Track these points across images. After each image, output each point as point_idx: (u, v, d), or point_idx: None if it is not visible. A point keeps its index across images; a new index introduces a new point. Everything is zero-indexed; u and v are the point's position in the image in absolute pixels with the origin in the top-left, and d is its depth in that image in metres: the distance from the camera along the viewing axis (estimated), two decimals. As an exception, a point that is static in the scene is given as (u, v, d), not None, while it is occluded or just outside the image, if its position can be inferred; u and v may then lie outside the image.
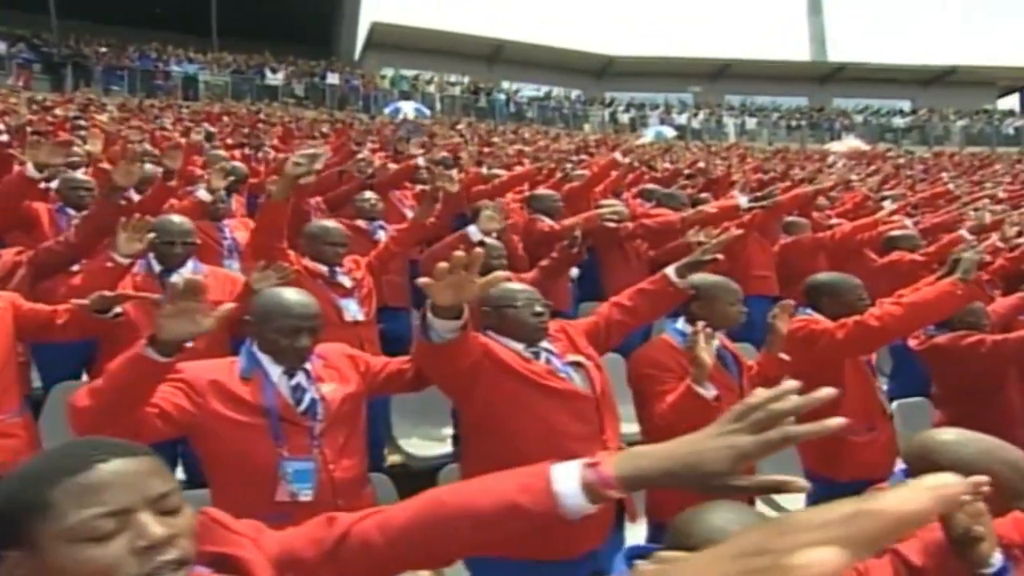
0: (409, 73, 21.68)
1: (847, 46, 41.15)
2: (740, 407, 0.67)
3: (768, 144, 19.66)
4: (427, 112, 17.63)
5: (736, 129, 21.68)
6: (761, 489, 0.72)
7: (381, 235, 3.57)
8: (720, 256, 2.12)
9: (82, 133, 5.71)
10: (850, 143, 18.28)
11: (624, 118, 21.89)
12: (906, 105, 23.60)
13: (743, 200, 4.24)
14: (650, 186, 5.73)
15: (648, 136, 17.67)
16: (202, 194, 3.40)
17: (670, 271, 2.13)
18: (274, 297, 1.75)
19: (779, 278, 4.59)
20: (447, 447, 2.95)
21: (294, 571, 0.81)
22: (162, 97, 16.08)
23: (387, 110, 17.63)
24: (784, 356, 2.17)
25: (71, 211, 3.07)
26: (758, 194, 4.37)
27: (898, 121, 21.48)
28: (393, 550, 0.80)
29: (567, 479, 0.74)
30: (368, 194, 3.83)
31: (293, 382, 1.66)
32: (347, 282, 2.65)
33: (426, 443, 3.15)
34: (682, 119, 21.85)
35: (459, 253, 1.38)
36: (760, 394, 0.66)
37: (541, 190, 4.23)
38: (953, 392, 2.79)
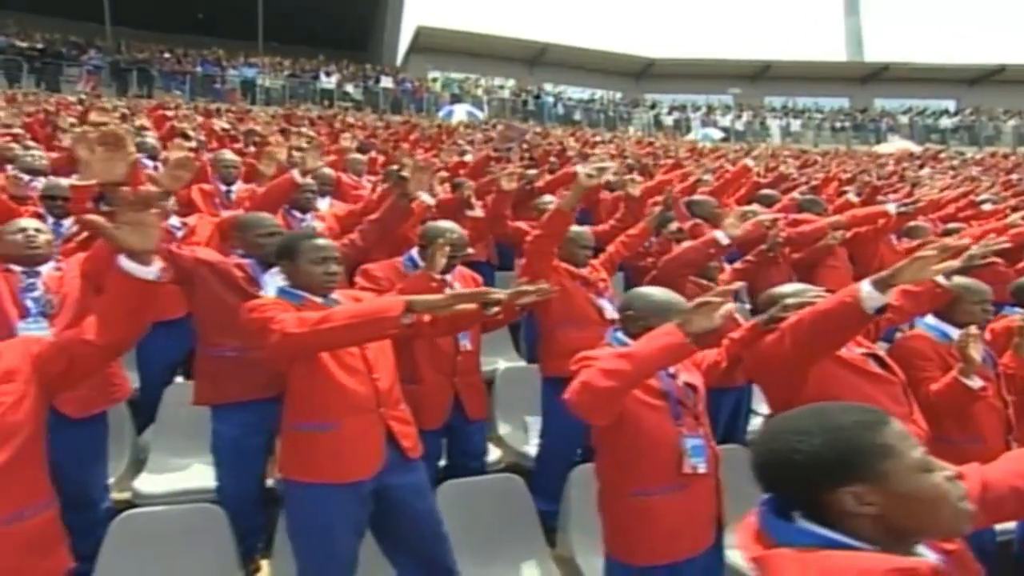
0: (458, 76, 22.02)
1: (884, 46, 40.86)
2: None
3: (814, 146, 19.70)
4: (480, 115, 17.97)
5: (781, 131, 21.73)
6: None
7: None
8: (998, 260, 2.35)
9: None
10: (898, 144, 18.29)
11: (668, 120, 22.06)
12: (951, 105, 23.50)
13: (892, 207, 4.46)
14: (767, 191, 5.95)
15: (694, 138, 17.89)
16: (295, 175, 3.46)
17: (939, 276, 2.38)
18: (660, 295, 2.01)
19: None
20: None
21: None
22: (210, 100, 16.53)
23: (441, 113, 18.00)
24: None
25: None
26: (906, 201, 4.58)
27: (946, 122, 21.40)
28: None
29: None
30: (548, 197, 4.11)
31: (672, 370, 1.94)
32: (599, 282, 2.94)
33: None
34: (725, 121, 21.97)
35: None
36: None
37: (699, 196, 4.48)
38: None
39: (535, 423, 3.40)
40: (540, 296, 2.12)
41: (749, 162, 5.52)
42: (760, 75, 25.88)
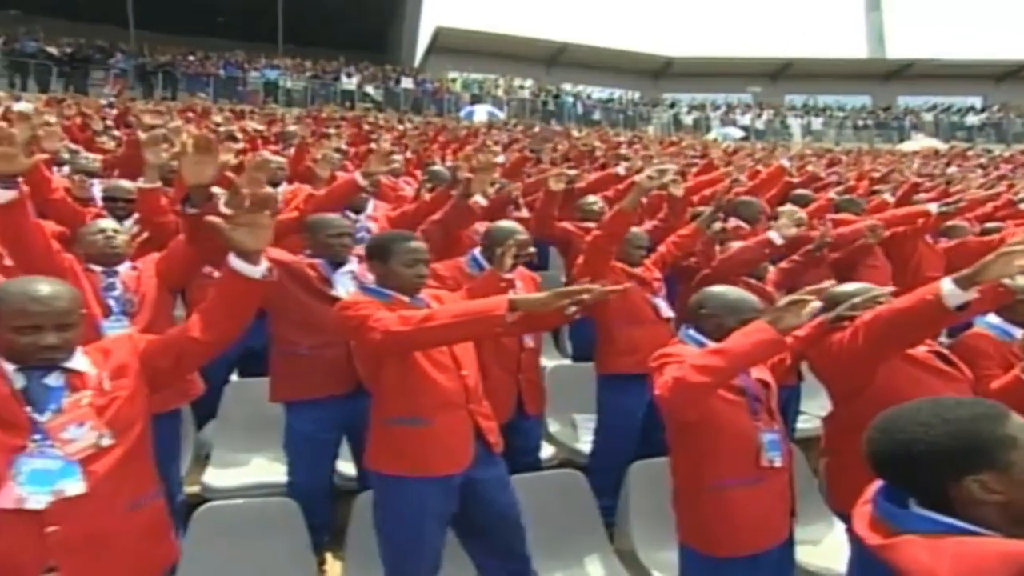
0: (478, 77, 22.11)
1: (906, 42, 40.41)
2: None
3: (836, 144, 19.54)
4: (500, 115, 18.03)
5: (802, 130, 21.58)
6: None
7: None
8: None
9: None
10: (922, 142, 18.09)
11: (688, 120, 21.98)
12: (977, 102, 23.18)
13: (933, 207, 4.46)
14: (801, 191, 5.94)
15: (714, 138, 17.83)
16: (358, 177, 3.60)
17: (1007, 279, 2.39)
18: (734, 293, 2.05)
19: None
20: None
21: None
22: (236, 102, 16.73)
23: (462, 114, 18.09)
24: None
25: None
26: (948, 200, 4.57)
27: (972, 119, 21.13)
28: None
29: None
30: (591, 198, 4.15)
31: None
32: (653, 281, 2.98)
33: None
34: (745, 120, 21.85)
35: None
36: None
37: (746, 197, 4.49)
38: None
39: (583, 420, 3.46)
40: (612, 295, 2.17)
41: (785, 162, 5.51)
42: (780, 73, 25.71)
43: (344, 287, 2.43)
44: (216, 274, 1.74)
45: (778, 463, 1.88)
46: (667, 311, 2.95)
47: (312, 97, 18.53)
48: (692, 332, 2.06)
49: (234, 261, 1.54)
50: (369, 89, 19.28)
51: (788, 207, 3.85)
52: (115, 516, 1.45)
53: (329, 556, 2.67)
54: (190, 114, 10.54)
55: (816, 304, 1.68)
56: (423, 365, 1.93)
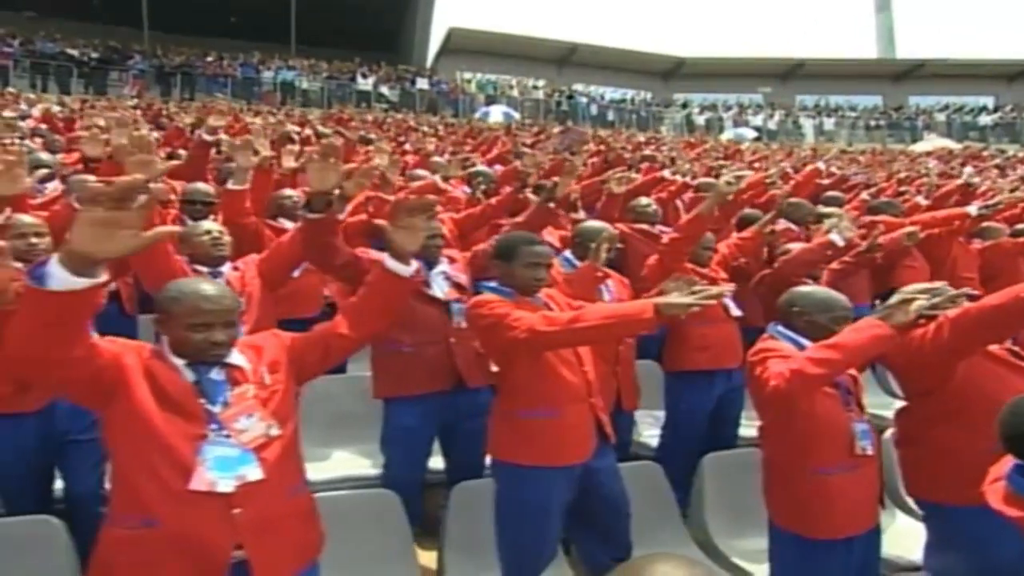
0: (491, 77, 22.23)
1: (916, 42, 40.31)
2: None
3: (848, 145, 19.59)
4: (515, 115, 18.15)
5: (814, 130, 21.65)
6: None
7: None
8: None
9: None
10: (935, 142, 18.12)
11: (700, 120, 22.07)
12: (989, 102, 23.21)
13: (973, 209, 4.56)
14: (832, 193, 6.04)
15: (727, 139, 17.91)
16: (439, 180, 3.69)
17: None
18: (823, 292, 2.17)
19: (980, 280, 4.89)
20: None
21: None
22: (256, 102, 16.90)
23: (477, 114, 18.21)
24: None
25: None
26: (988, 202, 4.67)
27: (985, 119, 21.16)
28: None
29: None
30: (645, 200, 4.27)
31: None
32: (721, 282, 3.09)
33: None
34: (757, 120, 21.92)
35: None
36: None
37: (797, 199, 4.60)
38: None
39: (645, 416, 3.57)
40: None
41: (820, 165, 5.62)
42: (791, 73, 25.76)
43: (440, 287, 2.56)
44: None
45: (870, 451, 2.00)
46: (735, 310, 3.06)
47: (328, 98, 18.71)
48: (782, 329, 2.16)
49: (389, 261, 1.66)
50: (384, 90, 19.44)
51: (831, 209, 3.96)
52: (284, 501, 1.57)
53: (415, 547, 2.79)
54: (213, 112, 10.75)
55: (923, 303, 1.79)
56: (552, 361, 2.06)
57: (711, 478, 2.85)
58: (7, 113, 6.89)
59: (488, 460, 2.81)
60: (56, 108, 9.75)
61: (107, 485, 2.61)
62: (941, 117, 21.92)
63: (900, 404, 2.43)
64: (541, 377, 2.06)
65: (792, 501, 2.02)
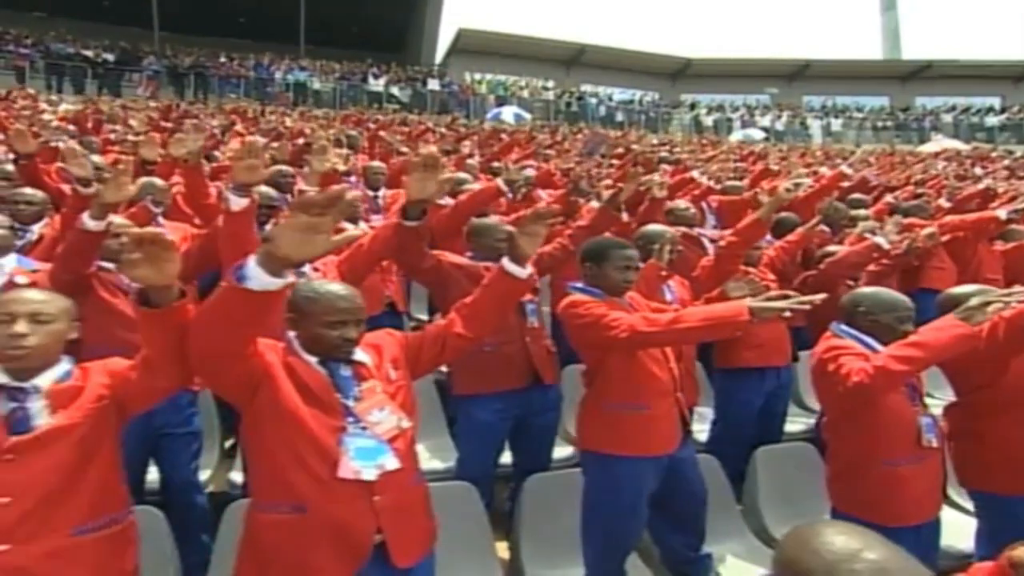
0: (501, 78, 22.34)
1: (921, 42, 40.39)
2: None
3: (856, 146, 19.68)
4: (527, 117, 18.25)
5: (821, 131, 21.75)
6: None
7: (706, 242, 4.15)
8: None
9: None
10: (943, 143, 18.20)
11: (708, 121, 22.18)
12: (996, 102, 23.31)
13: (1002, 213, 4.69)
14: (858, 195, 6.17)
15: (737, 139, 18.02)
16: (501, 184, 3.70)
17: None
18: (887, 293, 2.30)
19: (1004, 281, 5.02)
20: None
21: None
22: (268, 103, 17.04)
23: (489, 116, 18.33)
24: None
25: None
26: (1016, 206, 4.80)
27: (992, 120, 21.26)
28: None
29: None
30: (683, 203, 4.40)
31: None
32: (770, 283, 3.22)
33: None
34: (765, 121, 22.02)
35: None
36: None
37: (836, 203, 4.73)
38: None
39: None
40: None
41: (846, 169, 5.74)
42: (797, 74, 25.87)
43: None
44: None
45: (935, 444, 2.13)
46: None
47: (339, 98, 18.84)
48: (846, 328, 2.29)
49: (508, 264, 1.80)
50: (395, 90, 19.58)
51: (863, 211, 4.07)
52: (412, 488, 1.70)
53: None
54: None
55: (999, 304, 1.92)
56: (642, 358, 2.20)
57: (764, 471, 2.99)
58: (46, 116, 7.02)
59: (555, 454, 2.97)
60: (73, 108, 9.85)
61: (201, 475, 2.79)
62: (948, 118, 22.01)
63: (948, 400, 2.58)
64: (633, 373, 2.20)
65: (861, 490, 2.15)
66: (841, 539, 0.88)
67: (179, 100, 16.07)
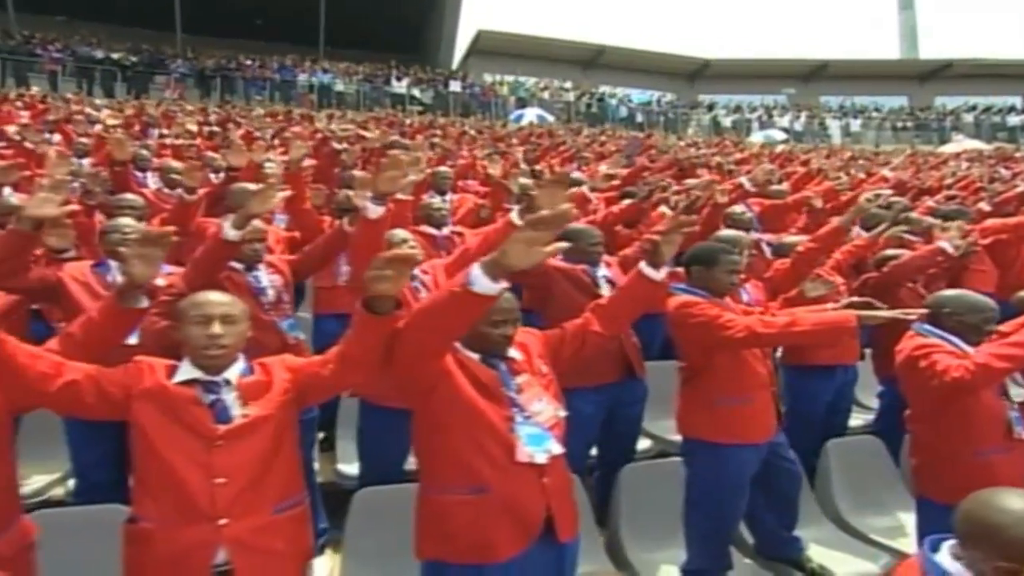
0: (523, 79, 22.51)
1: (939, 41, 40.22)
2: None
3: (875, 146, 19.73)
4: (550, 118, 18.44)
5: (841, 131, 21.79)
6: None
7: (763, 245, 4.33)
8: None
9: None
10: (964, 144, 18.19)
11: (727, 122, 22.24)
12: (1017, 102, 23.22)
13: (1035, 214, 4.83)
14: (896, 199, 6.31)
15: (757, 140, 18.11)
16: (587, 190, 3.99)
17: None
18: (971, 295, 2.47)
19: None
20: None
21: None
22: (294, 104, 17.30)
23: (511, 117, 18.52)
24: None
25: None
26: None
27: (1014, 119, 21.22)
28: None
29: None
30: (740, 208, 4.57)
31: None
32: (840, 286, 3.41)
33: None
34: (784, 122, 22.07)
35: None
36: None
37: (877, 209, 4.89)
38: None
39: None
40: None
41: (887, 172, 5.91)
42: (815, 74, 25.90)
43: (605, 288, 2.89)
44: None
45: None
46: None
47: (363, 100, 19.09)
48: (930, 327, 2.47)
49: (646, 269, 2.00)
50: (416, 92, 19.80)
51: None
52: (567, 472, 1.91)
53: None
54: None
55: None
56: (746, 355, 2.43)
57: (836, 462, 3.18)
58: (188, 127, 7.32)
59: (639, 445, 3.16)
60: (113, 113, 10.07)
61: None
62: (969, 118, 21.96)
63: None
64: (738, 369, 2.42)
65: (950, 478, 2.30)
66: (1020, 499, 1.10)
67: (207, 102, 16.40)
